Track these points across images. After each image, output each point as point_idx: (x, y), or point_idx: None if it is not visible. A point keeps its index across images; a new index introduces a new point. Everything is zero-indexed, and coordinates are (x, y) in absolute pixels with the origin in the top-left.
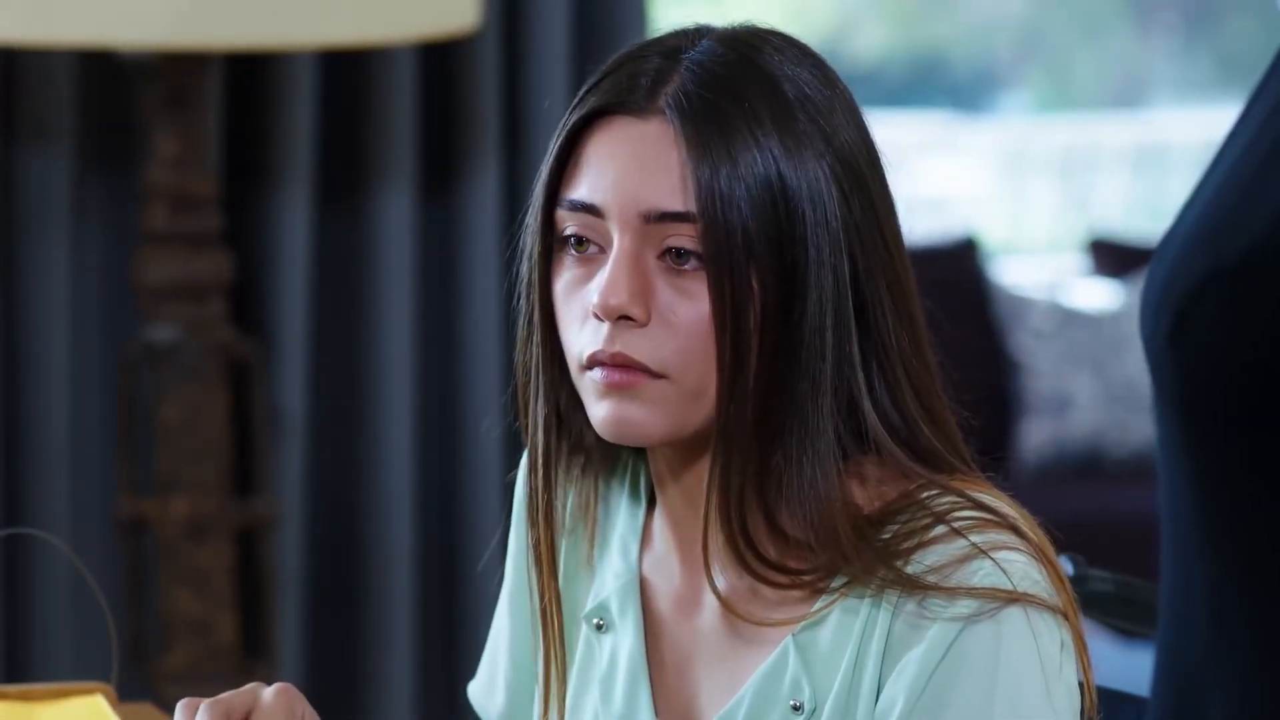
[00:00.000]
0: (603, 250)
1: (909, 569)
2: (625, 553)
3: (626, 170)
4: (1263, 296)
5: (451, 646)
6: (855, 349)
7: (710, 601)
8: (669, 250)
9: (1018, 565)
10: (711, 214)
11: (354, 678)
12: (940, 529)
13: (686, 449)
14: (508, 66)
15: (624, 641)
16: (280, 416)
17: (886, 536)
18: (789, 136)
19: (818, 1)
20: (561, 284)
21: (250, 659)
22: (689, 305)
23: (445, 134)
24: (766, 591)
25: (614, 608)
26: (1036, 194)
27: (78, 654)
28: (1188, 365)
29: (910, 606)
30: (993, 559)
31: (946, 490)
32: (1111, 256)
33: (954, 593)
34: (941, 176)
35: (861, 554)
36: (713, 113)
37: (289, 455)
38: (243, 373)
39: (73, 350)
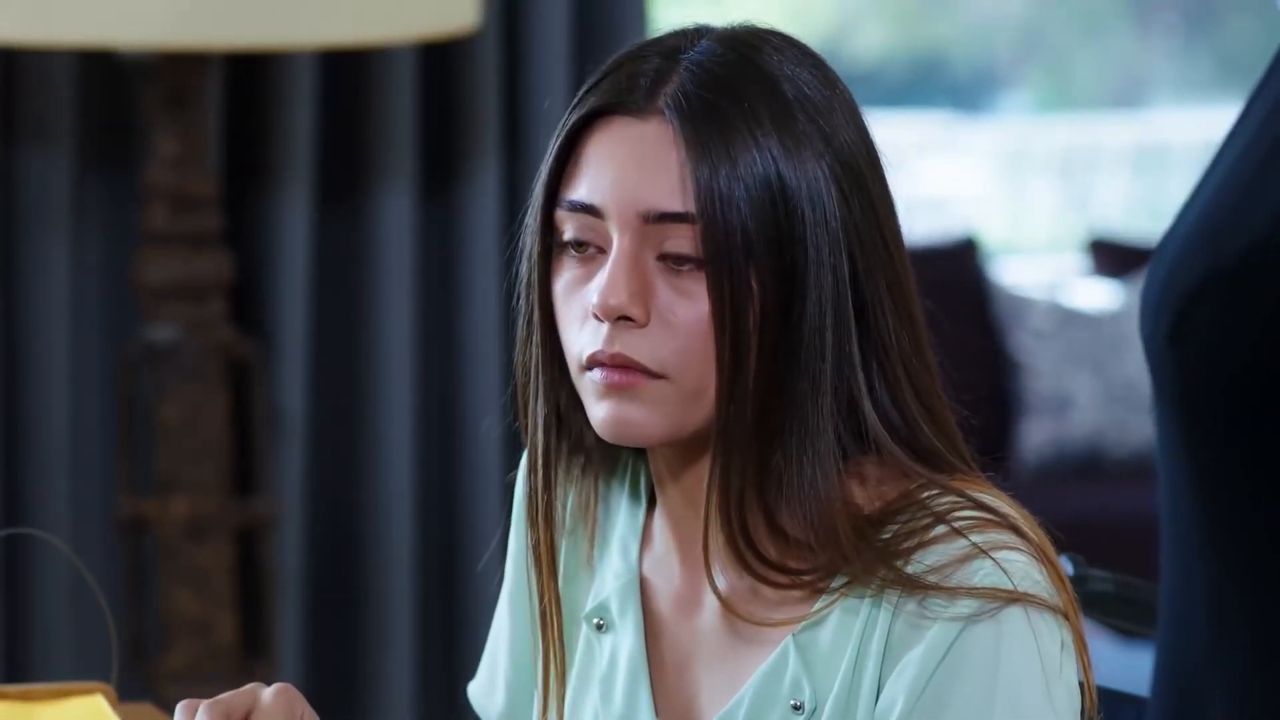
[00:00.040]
0: (602, 250)
1: (909, 569)
2: (625, 553)
3: (625, 170)
4: (1262, 296)
5: (451, 646)
6: (855, 349)
7: (710, 601)
8: (668, 254)
9: (1018, 565)
10: (711, 214)
11: (354, 678)
12: (941, 529)
13: (686, 449)
14: (508, 66)
15: (624, 641)
16: (280, 416)
17: (887, 536)
18: (788, 136)
19: (818, 1)
20: (561, 284)
21: (250, 659)
22: (688, 305)
23: (445, 134)
24: (767, 591)
25: (614, 608)
26: (1036, 194)
27: (78, 654)
28: (1187, 365)
29: (910, 606)
30: (993, 559)
31: (947, 490)
32: (1111, 256)
33: (954, 593)
34: (941, 176)
35: (862, 554)
36: (712, 113)
37: (289, 455)
38: (243, 373)
39: (73, 350)
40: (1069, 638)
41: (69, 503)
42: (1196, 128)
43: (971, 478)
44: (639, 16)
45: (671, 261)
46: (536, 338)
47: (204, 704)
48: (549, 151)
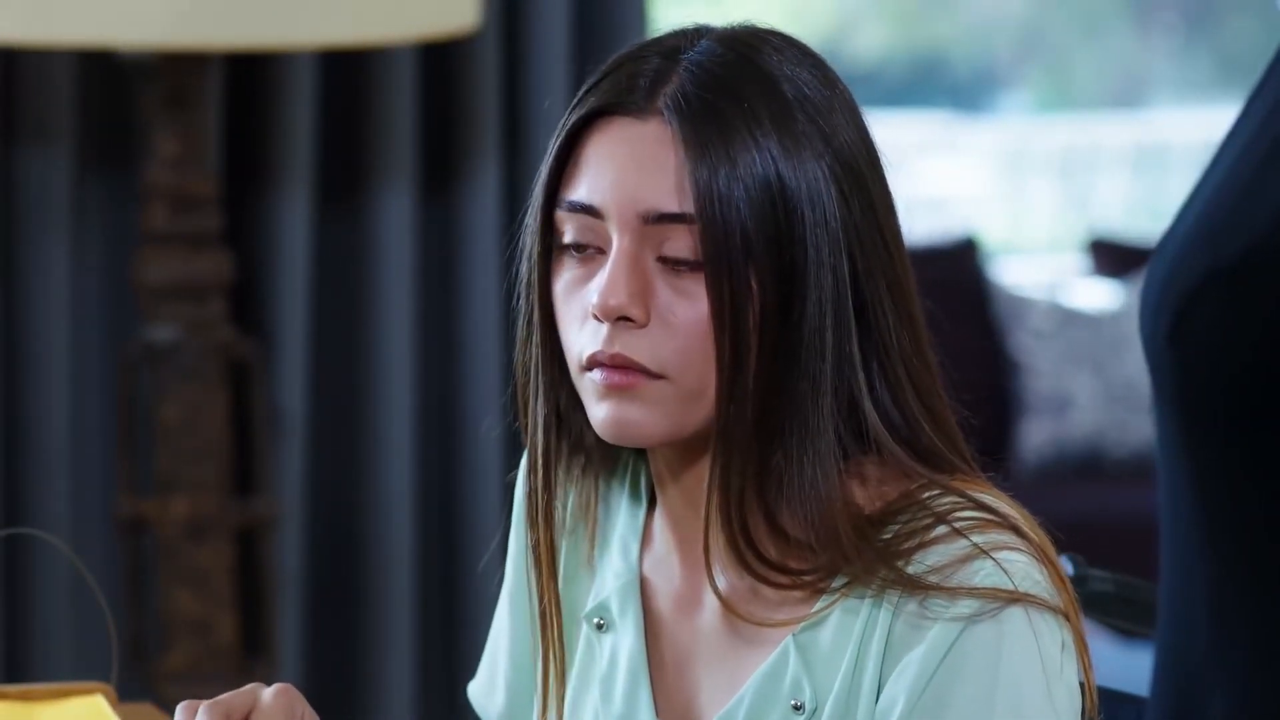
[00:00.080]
0: (602, 251)
1: (910, 569)
2: (625, 552)
3: (625, 171)
4: (1262, 296)
5: (451, 646)
6: (855, 349)
7: (711, 601)
8: (667, 254)
9: (1019, 565)
10: (710, 215)
11: (354, 678)
12: (941, 529)
13: (686, 449)
14: (508, 66)
15: (624, 641)
16: (280, 416)
17: (887, 536)
18: (788, 137)
19: (818, 1)
20: (561, 284)
21: (250, 659)
22: (688, 306)
23: (445, 134)
24: (767, 591)
25: (614, 607)
26: (1036, 194)
27: (78, 654)
28: (1187, 365)
29: (911, 606)
30: (994, 559)
31: (947, 490)
32: (1111, 256)
33: (955, 593)
34: (941, 176)
35: (862, 554)
36: (711, 113)
37: (289, 455)
38: (243, 373)
39: (73, 350)
40: (1069, 638)
41: (69, 503)
42: (1196, 128)
43: (972, 478)
44: (639, 16)
45: (671, 262)
46: (536, 338)
47: (204, 704)
48: (549, 152)
